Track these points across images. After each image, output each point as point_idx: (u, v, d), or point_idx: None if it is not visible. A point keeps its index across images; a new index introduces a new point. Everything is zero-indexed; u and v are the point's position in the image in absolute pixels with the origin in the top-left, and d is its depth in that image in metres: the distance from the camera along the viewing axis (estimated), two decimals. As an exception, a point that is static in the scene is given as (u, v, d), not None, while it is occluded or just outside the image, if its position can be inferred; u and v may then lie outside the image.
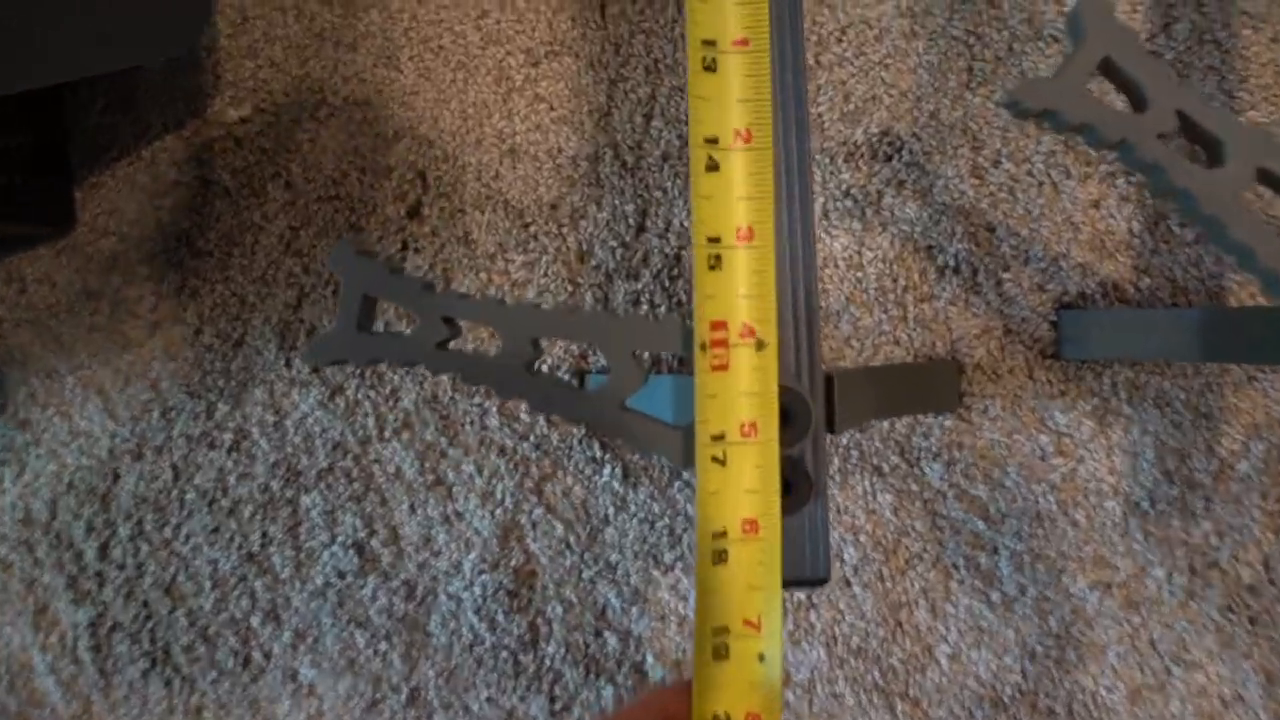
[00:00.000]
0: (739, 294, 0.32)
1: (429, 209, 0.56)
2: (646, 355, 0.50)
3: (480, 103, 0.56)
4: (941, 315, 0.53)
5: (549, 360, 0.54)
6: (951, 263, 0.53)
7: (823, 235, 0.54)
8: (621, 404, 0.39)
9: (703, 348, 0.31)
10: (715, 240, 0.32)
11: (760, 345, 0.32)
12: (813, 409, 0.40)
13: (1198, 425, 0.53)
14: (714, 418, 0.31)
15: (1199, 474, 0.53)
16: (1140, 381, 0.53)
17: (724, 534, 0.31)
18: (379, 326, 0.55)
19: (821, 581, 0.43)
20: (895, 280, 0.54)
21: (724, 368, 0.32)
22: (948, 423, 0.54)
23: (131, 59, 0.46)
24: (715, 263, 0.32)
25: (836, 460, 0.54)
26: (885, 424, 0.54)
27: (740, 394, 0.31)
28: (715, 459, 0.31)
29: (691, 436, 0.33)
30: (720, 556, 0.31)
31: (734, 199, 0.32)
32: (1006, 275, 0.53)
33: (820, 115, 0.54)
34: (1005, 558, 0.54)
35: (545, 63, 0.56)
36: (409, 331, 0.41)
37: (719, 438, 0.31)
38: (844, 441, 0.54)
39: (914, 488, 0.54)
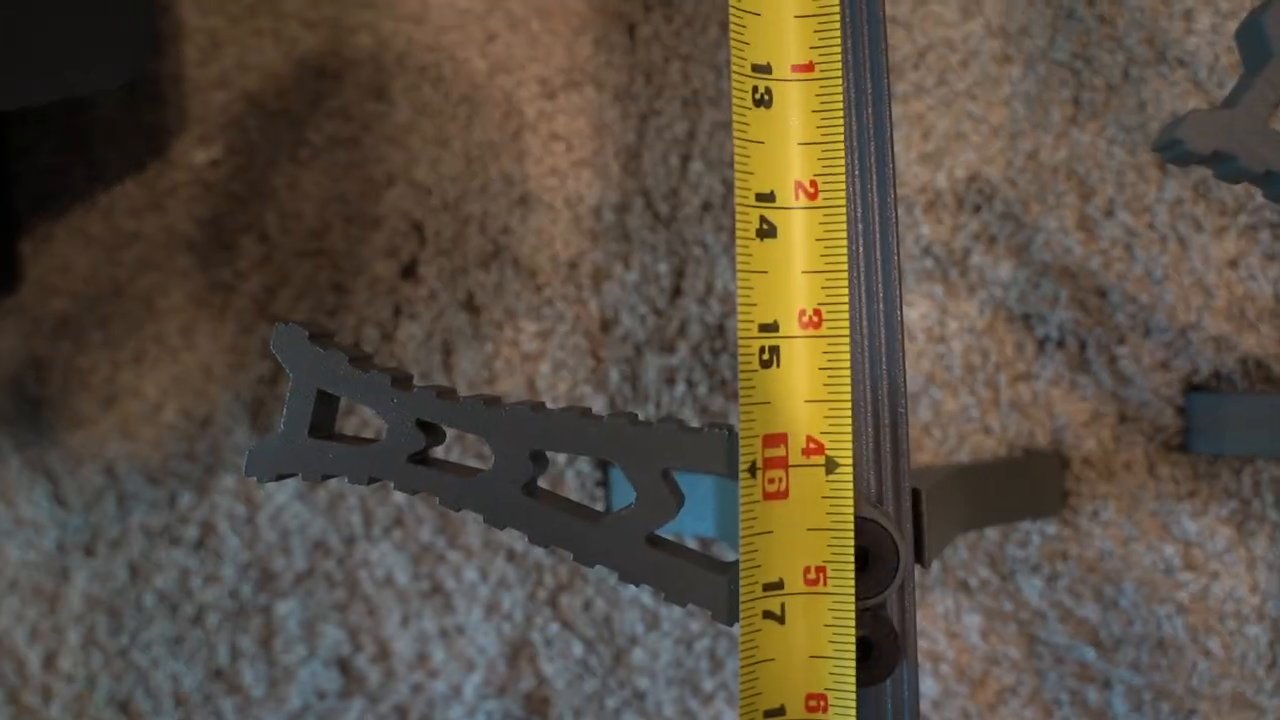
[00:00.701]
0: (802, 399, 0.26)
1: (426, 268, 0.47)
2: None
3: (486, 143, 0.47)
4: (1041, 398, 0.44)
5: (555, 466, 0.46)
6: (1054, 335, 0.44)
7: (896, 300, 0.45)
8: (648, 538, 0.30)
9: (751, 471, 0.26)
10: (770, 328, 0.26)
11: (831, 466, 0.26)
12: (900, 546, 0.31)
13: (1361, 535, 0.43)
14: (768, 562, 0.26)
15: (1363, 595, 0.43)
16: (1288, 480, 0.43)
17: (780, 712, 0.26)
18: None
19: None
20: (985, 356, 0.44)
21: (782, 495, 0.26)
22: (1050, 529, 0.44)
23: (60, 90, 0.38)
24: (770, 357, 0.26)
25: (916, 574, 0.45)
26: (973, 531, 0.44)
27: (804, 530, 0.26)
28: (770, 614, 0.26)
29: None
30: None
31: (795, 272, 0.26)
32: (1122, 350, 0.44)
33: (895, 157, 0.44)
34: (1120, 694, 0.44)
35: (563, 95, 0.47)
36: (378, 439, 0.32)
37: (775, 586, 0.26)
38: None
39: (1008, 607, 0.44)
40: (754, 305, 0.26)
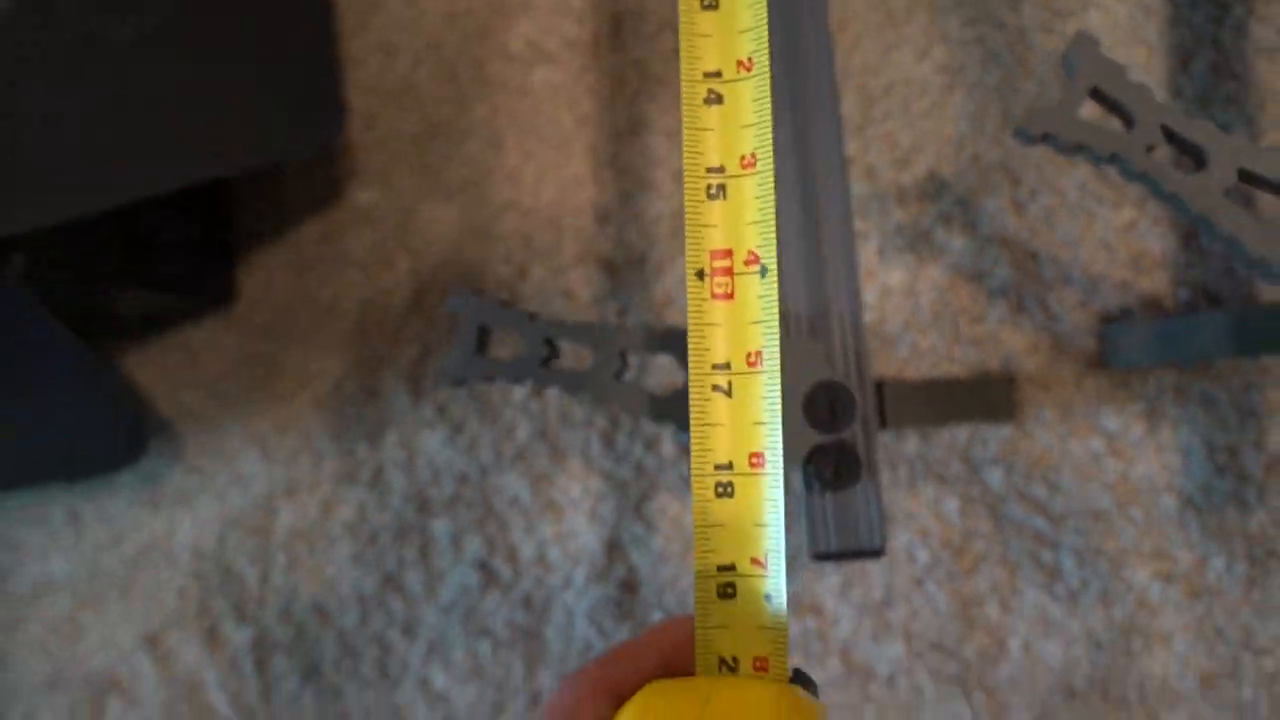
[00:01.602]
0: (745, 221, 0.30)
1: (534, 268, 0.64)
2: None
3: (575, 177, 0.64)
4: (992, 335, 0.59)
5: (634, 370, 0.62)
6: (998, 287, 0.59)
7: (880, 270, 0.60)
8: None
9: (700, 275, 0.30)
10: (718, 170, 0.30)
11: (764, 271, 0.30)
12: (857, 396, 0.46)
13: (1244, 422, 0.57)
14: (717, 346, 0.30)
15: (1250, 467, 0.57)
16: (1184, 385, 0.57)
17: (729, 467, 0.29)
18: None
19: (876, 553, 0.49)
20: (947, 306, 0.60)
21: (729, 296, 0.30)
22: (1004, 432, 0.59)
23: (278, 155, 0.56)
24: (717, 192, 0.30)
25: (904, 470, 0.60)
26: (947, 435, 0.59)
27: (747, 323, 0.30)
28: (719, 388, 0.30)
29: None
30: (725, 490, 0.29)
31: (738, 127, 0.30)
32: (1050, 296, 0.59)
33: (872, 164, 0.61)
34: (1067, 553, 0.58)
35: (628, 138, 0.64)
36: (517, 354, 0.49)
37: (723, 367, 0.30)
38: (910, 452, 0.59)
39: (977, 493, 0.59)
40: (702, 154, 0.30)
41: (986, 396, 0.58)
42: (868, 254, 0.61)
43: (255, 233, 0.69)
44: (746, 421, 0.29)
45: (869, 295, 0.60)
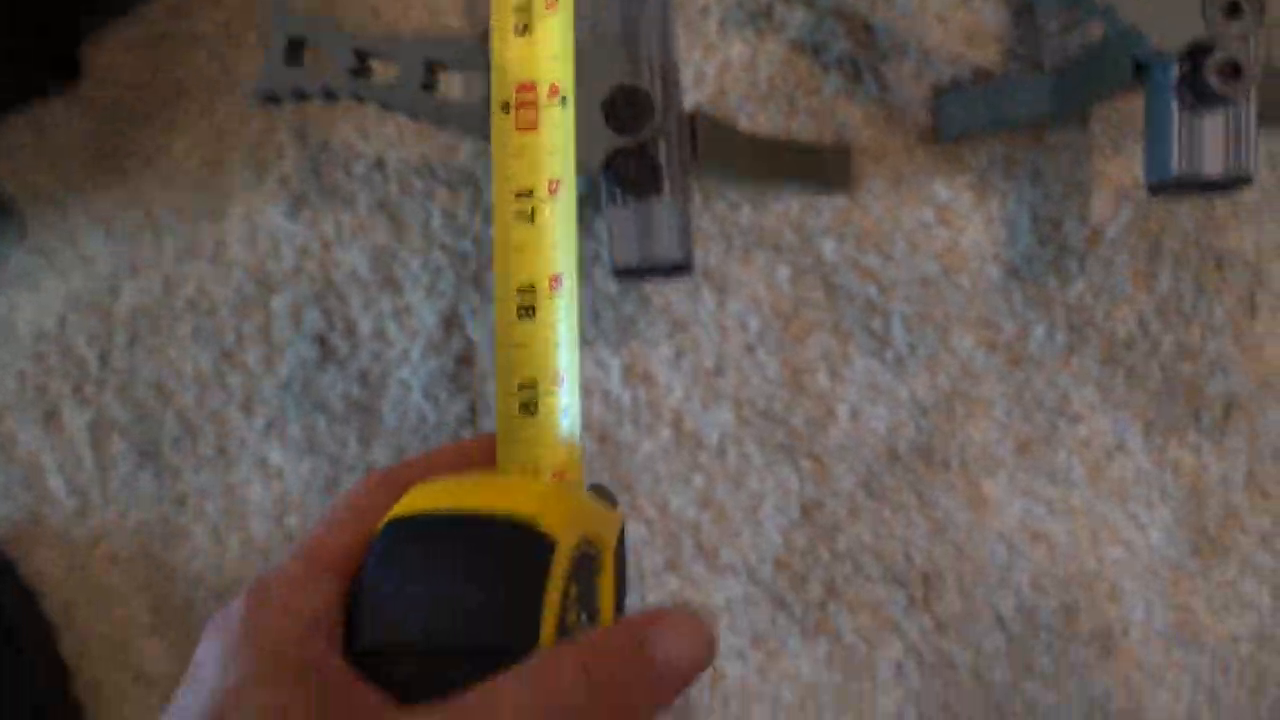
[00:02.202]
0: (550, 55, 0.31)
1: (381, 41, 0.64)
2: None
3: (424, -52, 0.64)
4: (828, 106, 0.59)
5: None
6: (835, 60, 0.59)
7: (720, 44, 0.60)
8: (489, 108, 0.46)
9: (505, 108, 0.31)
10: (523, 8, 0.31)
11: (564, 103, 0.31)
12: (656, 103, 0.46)
13: (1069, 195, 0.57)
14: (520, 174, 0.31)
15: (1072, 239, 0.57)
16: (1015, 156, 0.58)
17: (530, 289, 0.30)
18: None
19: (681, 268, 0.49)
20: (786, 79, 0.60)
21: (532, 128, 0.31)
22: (838, 202, 0.59)
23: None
24: (522, 30, 0.31)
25: (738, 239, 0.60)
26: (781, 206, 0.59)
27: (547, 153, 0.31)
28: (521, 215, 0.31)
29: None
30: (527, 312, 0.30)
31: None
32: (885, 67, 0.59)
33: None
34: (897, 320, 0.59)
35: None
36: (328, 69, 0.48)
37: (526, 194, 0.31)
38: (743, 222, 0.60)
39: (809, 261, 0.59)
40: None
41: (820, 163, 0.58)
42: (709, 28, 0.61)
43: (102, 7, 0.67)
44: (546, 245, 0.30)
45: (709, 70, 0.60)
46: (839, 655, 0.59)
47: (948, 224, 0.58)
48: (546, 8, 0.31)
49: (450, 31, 0.63)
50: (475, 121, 0.47)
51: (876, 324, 0.59)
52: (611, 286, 0.60)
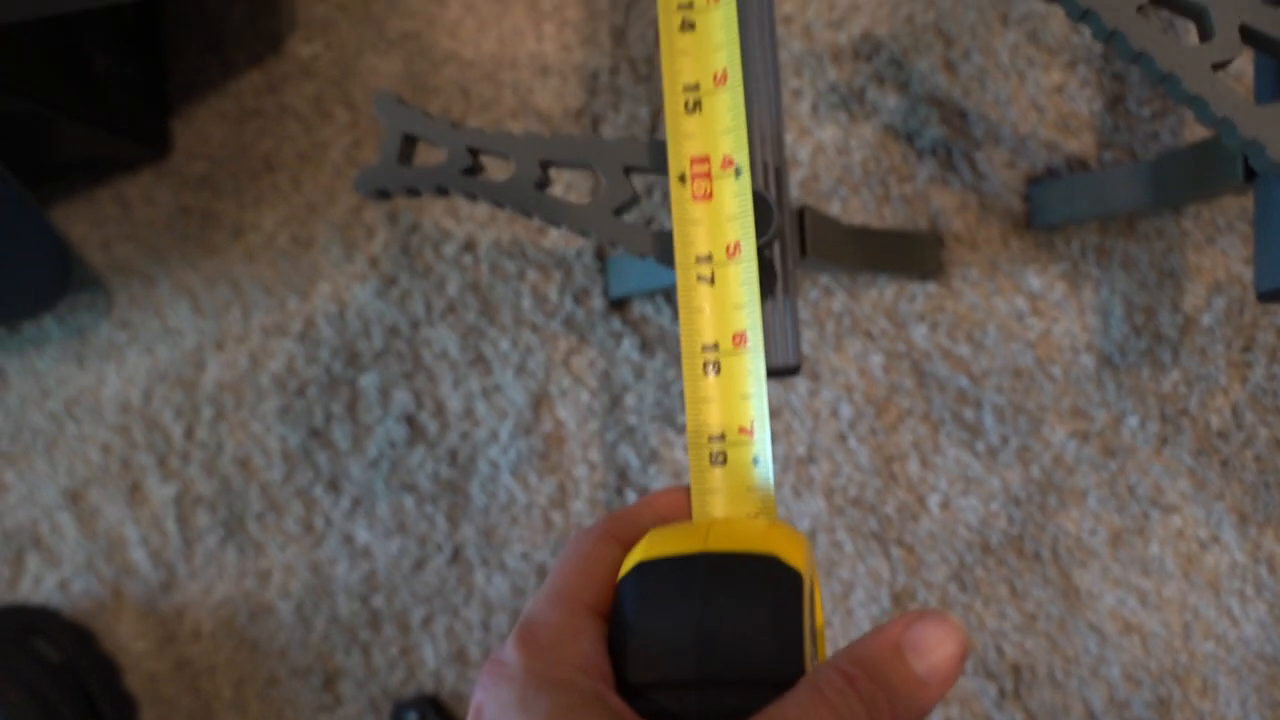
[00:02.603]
0: (720, 131, 0.35)
1: (472, 120, 0.64)
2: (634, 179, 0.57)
3: (515, 29, 0.64)
4: (921, 193, 0.60)
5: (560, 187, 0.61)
6: (929, 146, 0.60)
7: (813, 128, 0.61)
8: (613, 212, 0.46)
9: (682, 179, 0.35)
10: (693, 88, 0.36)
11: (739, 172, 0.34)
12: (774, 207, 0.46)
13: (1162, 284, 0.58)
14: (700, 241, 0.34)
15: (1165, 328, 0.57)
16: (1107, 246, 0.58)
17: (715, 347, 0.33)
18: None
19: (793, 370, 0.49)
20: (879, 164, 0.60)
21: (707, 198, 0.34)
22: (930, 289, 0.59)
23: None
24: (694, 107, 0.35)
25: (831, 326, 0.60)
26: (874, 292, 0.60)
27: (725, 219, 0.34)
28: (702, 278, 0.34)
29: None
30: (711, 368, 0.33)
31: (710, 49, 0.36)
32: (979, 155, 0.59)
33: (809, 23, 0.61)
34: (988, 411, 0.59)
35: (570, -7, 0.64)
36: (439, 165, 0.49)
37: (705, 259, 0.34)
38: (836, 309, 0.60)
39: (902, 349, 0.59)
40: (680, 74, 0.36)
41: (914, 251, 0.59)
42: (801, 112, 0.61)
43: (193, 83, 0.68)
44: (728, 305, 0.33)
45: (802, 153, 0.61)
46: (932, 746, 0.59)
47: (1040, 313, 0.58)
48: (716, 84, 0.35)
49: (540, 114, 0.64)
50: (594, 222, 0.47)
51: (968, 413, 0.59)
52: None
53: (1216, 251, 0.57)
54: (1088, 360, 0.58)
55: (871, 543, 0.60)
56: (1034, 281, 0.59)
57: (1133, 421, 0.58)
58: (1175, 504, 0.57)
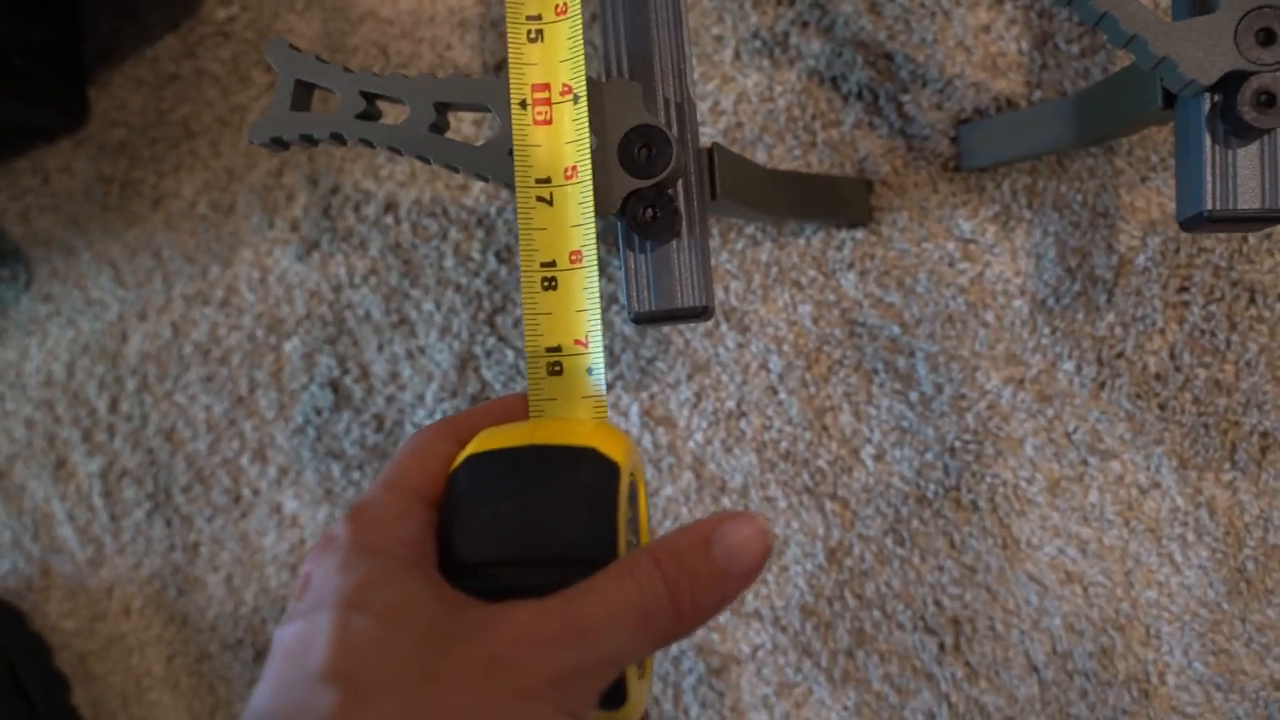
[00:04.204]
0: (559, 59, 0.36)
1: (389, 79, 0.63)
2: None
3: (432, -16, 0.63)
4: (848, 138, 0.58)
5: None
6: (854, 90, 0.58)
7: (736, 75, 0.59)
8: (509, 152, 0.45)
9: (523, 105, 0.36)
10: (535, 18, 0.36)
11: (576, 99, 0.35)
12: (674, 143, 0.45)
13: (1095, 224, 0.56)
14: (539, 164, 0.35)
15: (1100, 269, 0.56)
16: (1038, 187, 0.56)
17: (553, 264, 0.34)
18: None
19: (702, 312, 0.47)
20: (804, 110, 0.59)
21: (547, 122, 0.36)
22: (859, 236, 0.58)
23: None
24: (536, 36, 0.37)
25: (758, 277, 0.58)
26: (802, 241, 0.58)
27: (563, 143, 0.35)
28: (541, 199, 0.35)
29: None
30: (550, 283, 0.34)
31: None
32: (906, 98, 0.58)
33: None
34: (921, 359, 0.57)
35: (488, -55, 0.63)
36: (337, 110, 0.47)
37: (544, 181, 0.35)
38: (763, 259, 0.58)
39: (831, 298, 0.58)
40: (520, 4, 0.36)
41: (841, 197, 0.57)
42: (724, 59, 0.59)
43: (108, 49, 0.66)
44: (565, 225, 0.35)
45: (725, 101, 0.59)
46: (868, 704, 0.57)
47: (971, 258, 0.57)
48: (557, 14, 0.36)
49: (459, 68, 0.62)
50: (489, 163, 0.46)
51: (900, 363, 0.57)
52: (629, 329, 0.59)
53: (1150, 190, 0.56)
54: (1021, 305, 0.57)
55: (805, 498, 0.58)
56: (964, 225, 0.57)
57: (1068, 366, 0.56)
58: (1114, 449, 0.56)
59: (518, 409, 0.33)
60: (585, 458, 0.29)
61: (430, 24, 0.63)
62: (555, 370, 0.34)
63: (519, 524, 0.28)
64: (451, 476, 0.29)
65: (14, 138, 0.66)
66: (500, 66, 0.62)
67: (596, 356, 0.33)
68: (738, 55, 0.59)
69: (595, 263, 0.34)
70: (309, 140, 0.48)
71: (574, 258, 0.34)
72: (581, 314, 0.34)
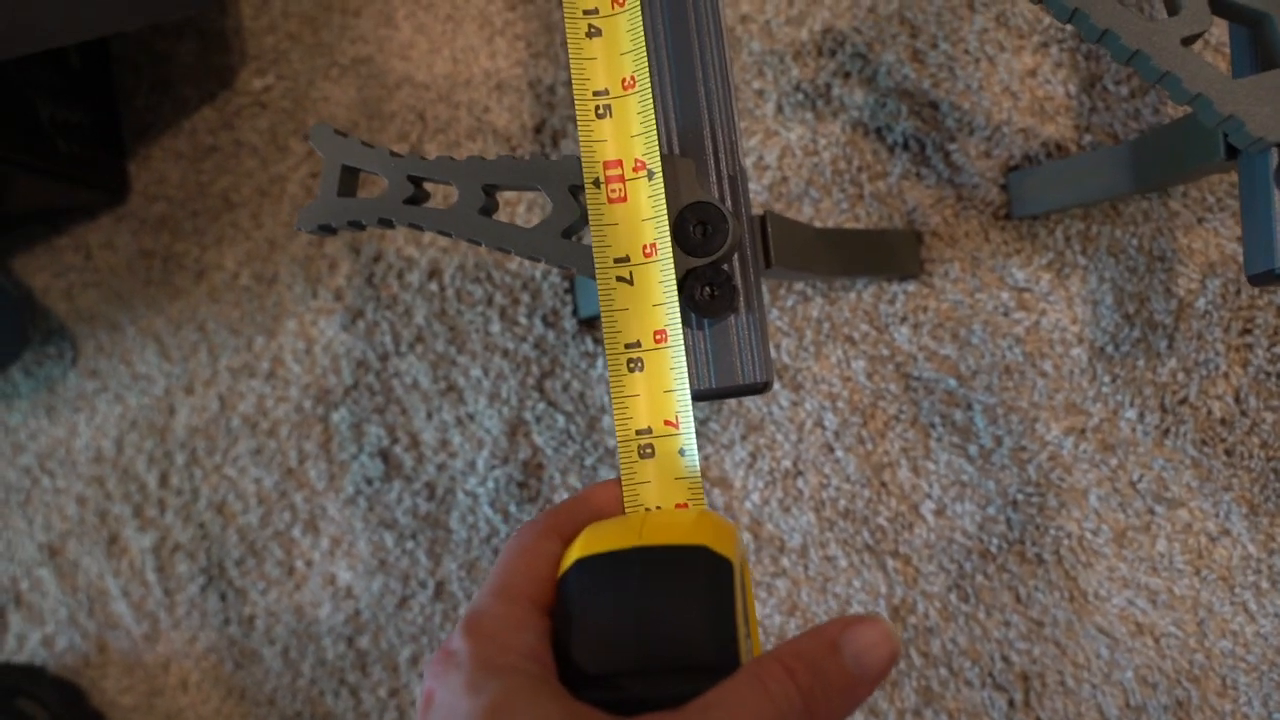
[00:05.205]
0: (630, 134, 0.36)
1: (429, 144, 0.62)
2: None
3: (468, 48, 0.62)
4: (895, 189, 0.57)
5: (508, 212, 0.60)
6: (900, 140, 0.57)
7: (779, 129, 0.58)
8: (561, 233, 0.44)
9: (597, 184, 0.36)
10: (603, 93, 0.36)
11: (650, 175, 0.35)
12: (729, 218, 0.44)
13: (1152, 269, 0.55)
14: (617, 244, 0.35)
15: (1159, 314, 0.55)
16: (1092, 233, 0.56)
17: (637, 344, 0.34)
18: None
19: (763, 387, 0.47)
20: (850, 162, 0.58)
21: (622, 200, 0.36)
22: (911, 288, 0.57)
23: (155, 15, 0.54)
24: (604, 112, 0.36)
25: (810, 334, 0.58)
26: (853, 295, 0.57)
27: (640, 221, 0.35)
28: (621, 279, 0.35)
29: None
30: (636, 365, 0.34)
31: (616, 54, 0.36)
32: (953, 146, 0.57)
33: (768, 21, 0.59)
34: (979, 412, 0.56)
35: (522, 6, 0.62)
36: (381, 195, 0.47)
37: (623, 260, 0.35)
38: (815, 315, 0.58)
39: (885, 352, 0.57)
40: (588, 80, 0.37)
41: (891, 251, 0.56)
42: (766, 113, 0.59)
43: (146, 123, 0.66)
44: (648, 304, 0.34)
45: (769, 156, 0.59)
46: (940, 765, 0.56)
47: (1027, 307, 0.56)
48: (625, 89, 0.36)
49: (498, 132, 0.62)
50: (542, 246, 0.45)
51: (958, 416, 0.56)
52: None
53: (1207, 231, 0.55)
54: (1080, 353, 0.56)
55: (866, 556, 0.57)
56: (1018, 274, 0.56)
57: (1131, 414, 0.55)
58: (1181, 497, 0.55)
59: (613, 496, 0.33)
60: (698, 558, 0.28)
61: (466, 87, 0.62)
62: (647, 453, 0.33)
63: (638, 632, 0.27)
64: (561, 581, 0.29)
65: (56, 217, 0.66)
66: (539, 129, 0.61)
67: (688, 437, 0.33)
68: (780, 109, 0.58)
69: (681, 341, 0.34)
70: (356, 225, 0.48)
71: (658, 337, 0.34)
72: (670, 394, 0.34)
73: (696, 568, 0.28)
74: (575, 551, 0.29)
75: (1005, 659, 0.56)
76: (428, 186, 0.49)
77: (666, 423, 0.33)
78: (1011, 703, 0.56)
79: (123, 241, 0.67)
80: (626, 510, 0.32)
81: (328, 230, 0.48)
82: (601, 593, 0.28)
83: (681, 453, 0.33)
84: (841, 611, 0.57)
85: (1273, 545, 0.54)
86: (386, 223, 0.48)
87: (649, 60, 0.38)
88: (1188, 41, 0.41)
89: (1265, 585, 0.54)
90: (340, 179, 0.48)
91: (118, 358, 0.66)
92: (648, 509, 0.32)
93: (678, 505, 0.32)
